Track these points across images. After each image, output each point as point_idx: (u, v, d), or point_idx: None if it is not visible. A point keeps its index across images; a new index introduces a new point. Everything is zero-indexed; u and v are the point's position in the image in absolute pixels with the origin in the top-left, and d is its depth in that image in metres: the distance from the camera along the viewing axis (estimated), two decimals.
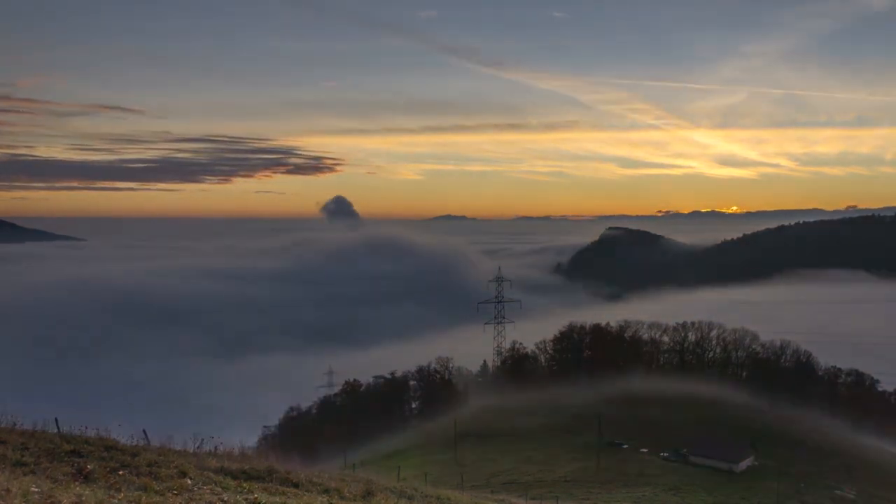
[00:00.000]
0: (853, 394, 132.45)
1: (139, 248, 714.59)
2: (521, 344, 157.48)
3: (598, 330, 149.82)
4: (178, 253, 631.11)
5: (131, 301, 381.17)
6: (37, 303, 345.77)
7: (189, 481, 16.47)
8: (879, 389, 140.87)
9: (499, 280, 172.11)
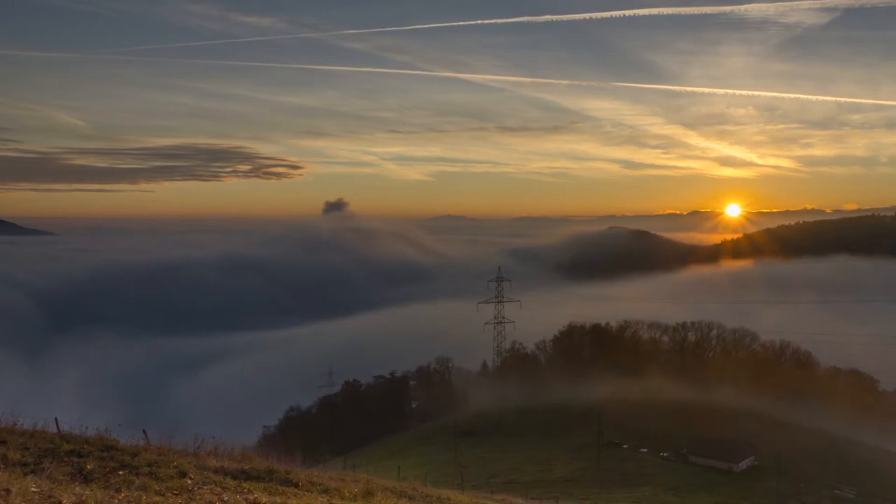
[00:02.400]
0: (853, 394, 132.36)
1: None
2: (521, 344, 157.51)
3: (598, 330, 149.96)
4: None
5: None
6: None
7: (189, 481, 16.47)
8: (879, 389, 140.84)
9: (499, 280, 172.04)
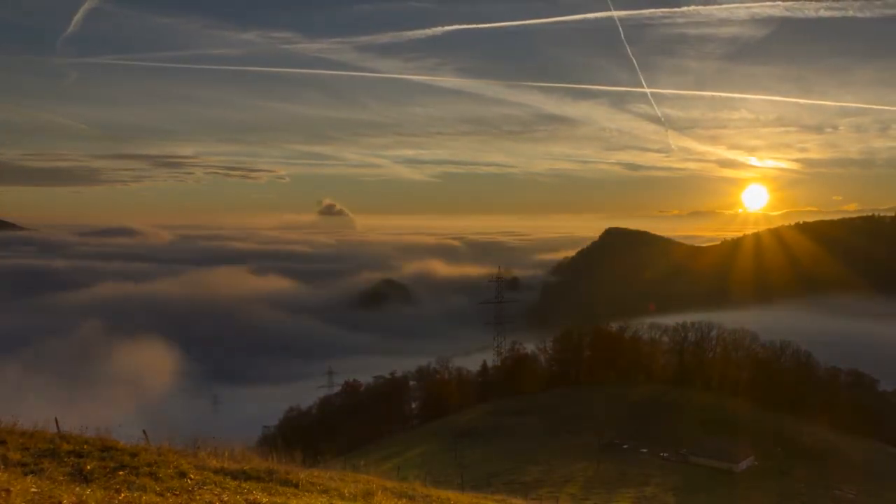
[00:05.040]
0: (853, 394, 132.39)
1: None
2: (520, 344, 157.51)
3: (597, 330, 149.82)
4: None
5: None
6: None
7: (189, 482, 16.48)
8: (879, 389, 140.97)
9: (499, 280, 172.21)
